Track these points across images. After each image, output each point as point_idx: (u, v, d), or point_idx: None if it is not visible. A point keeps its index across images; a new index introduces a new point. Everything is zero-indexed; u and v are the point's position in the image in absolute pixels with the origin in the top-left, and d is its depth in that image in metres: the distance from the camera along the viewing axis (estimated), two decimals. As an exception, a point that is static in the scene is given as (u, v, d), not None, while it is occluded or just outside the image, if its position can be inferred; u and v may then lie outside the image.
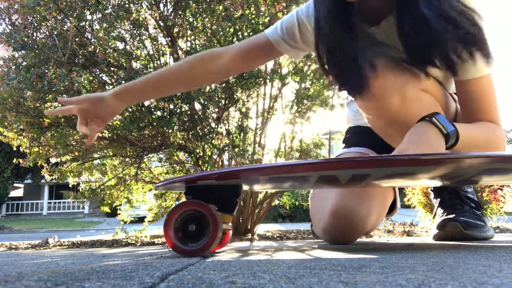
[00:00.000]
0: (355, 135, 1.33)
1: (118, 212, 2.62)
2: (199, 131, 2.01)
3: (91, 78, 1.98)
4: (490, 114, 0.91)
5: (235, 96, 1.97)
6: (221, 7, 1.92)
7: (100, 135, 2.04)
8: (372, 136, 1.03)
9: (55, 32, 1.82)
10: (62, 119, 1.94)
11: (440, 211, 1.25)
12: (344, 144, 1.35)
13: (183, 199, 2.50)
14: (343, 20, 0.87)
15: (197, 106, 1.99)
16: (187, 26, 2.04)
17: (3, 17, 1.93)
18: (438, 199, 1.28)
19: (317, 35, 0.92)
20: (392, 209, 1.26)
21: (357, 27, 0.90)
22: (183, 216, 0.79)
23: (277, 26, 1.05)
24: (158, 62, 2.04)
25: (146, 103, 1.88)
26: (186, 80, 1.07)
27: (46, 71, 1.83)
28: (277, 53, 1.06)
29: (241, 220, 2.23)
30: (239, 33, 1.92)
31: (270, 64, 2.14)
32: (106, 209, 2.46)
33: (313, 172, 0.80)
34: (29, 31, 1.88)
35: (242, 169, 0.81)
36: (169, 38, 2.06)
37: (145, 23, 1.95)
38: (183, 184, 0.86)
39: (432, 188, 1.34)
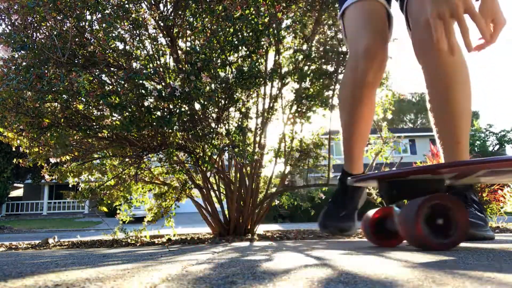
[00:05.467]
0: None
1: (118, 211, 2.62)
2: (199, 131, 2.00)
3: (91, 78, 1.98)
4: None
5: (235, 96, 1.96)
6: (220, 7, 1.92)
7: (100, 135, 2.03)
8: None
9: (55, 33, 1.81)
10: (62, 119, 1.94)
11: None
12: None
13: (183, 199, 2.51)
14: None
15: (197, 106, 1.99)
16: (187, 26, 2.04)
17: (3, 17, 1.93)
18: None
19: None
20: None
21: None
22: (429, 208, 0.77)
23: None
24: (158, 62, 2.04)
25: (146, 103, 1.88)
26: None
27: (46, 71, 1.82)
28: None
29: (241, 220, 2.23)
30: (239, 33, 1.92)
31: (270, 64, 2.14)
32: (104, 208, 2.46)
33: None
34: (28, 31, 1.88)
35: (476, 162, 0.78)
36: (169, 38, 2.06)
37: (145, 23, 1.94)
38: (383, 179, 0.84)
39: None
